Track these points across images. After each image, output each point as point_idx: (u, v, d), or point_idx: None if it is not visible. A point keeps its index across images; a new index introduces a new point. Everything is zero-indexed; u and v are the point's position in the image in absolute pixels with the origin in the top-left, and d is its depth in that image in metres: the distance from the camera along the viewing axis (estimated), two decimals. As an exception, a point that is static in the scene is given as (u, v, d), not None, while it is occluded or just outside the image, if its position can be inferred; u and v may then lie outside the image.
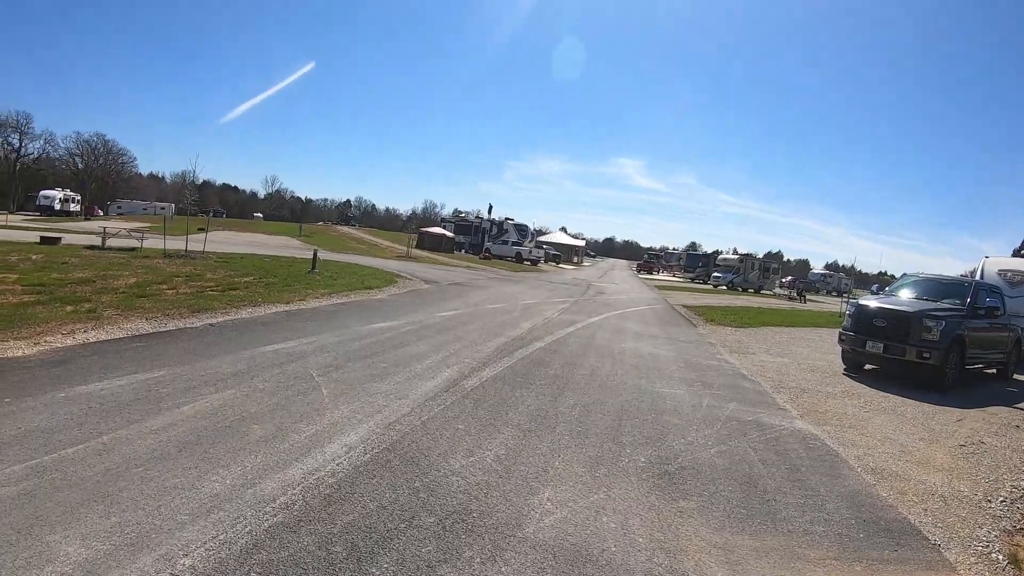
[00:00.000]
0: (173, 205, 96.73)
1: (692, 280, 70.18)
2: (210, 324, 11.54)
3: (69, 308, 11.18)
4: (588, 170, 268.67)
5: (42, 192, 78.25)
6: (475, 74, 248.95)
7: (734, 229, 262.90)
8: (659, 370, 11.81)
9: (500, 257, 61.55)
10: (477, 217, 74.41)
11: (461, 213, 78.49)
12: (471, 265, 45.47)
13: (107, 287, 13.91)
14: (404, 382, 8.65)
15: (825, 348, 18.01)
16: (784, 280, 76.07)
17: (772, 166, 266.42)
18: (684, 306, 29.12)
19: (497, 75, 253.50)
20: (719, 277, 60.10)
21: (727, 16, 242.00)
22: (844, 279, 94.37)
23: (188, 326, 11.05)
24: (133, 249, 24.60)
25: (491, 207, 76.83)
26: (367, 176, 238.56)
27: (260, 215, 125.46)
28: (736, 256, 63.05)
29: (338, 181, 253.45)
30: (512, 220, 70.64)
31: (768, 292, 59.96)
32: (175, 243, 26.31)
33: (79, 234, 32.99)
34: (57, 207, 73.99)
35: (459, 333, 13.36)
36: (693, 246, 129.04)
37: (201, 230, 58.82)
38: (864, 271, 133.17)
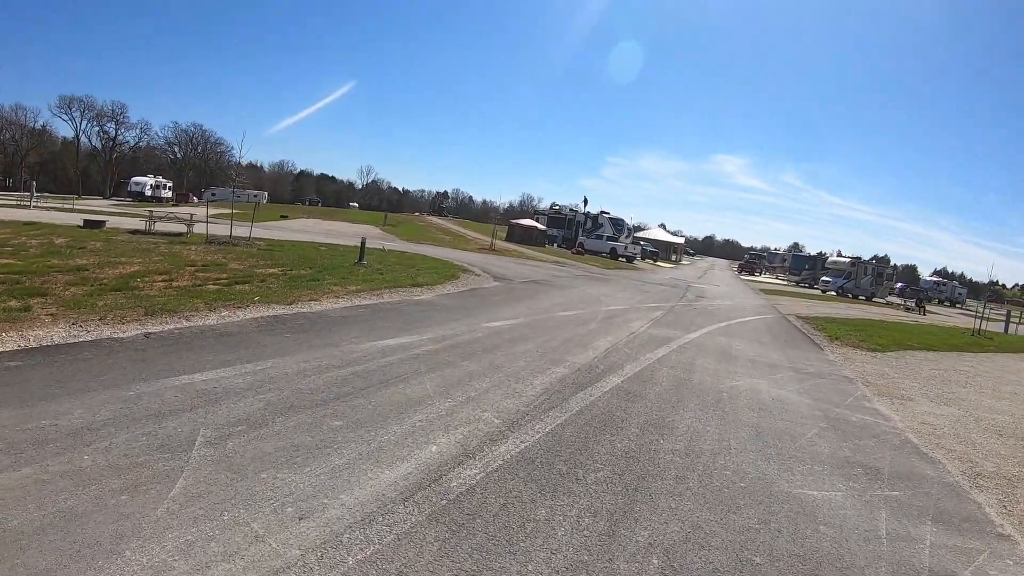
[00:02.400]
0: (265, 193, 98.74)
1: (797, 284, 66.16)
2: (147, 334, 8.47)
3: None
4: (689, 167, 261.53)
5: (133, 179, 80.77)
6: (573, 67, 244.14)
7: (837, 231, 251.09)
8: (793, 437, 7.42)
9: (594, 253, 57.73)
10: (571, 210, 70.16)
11: (555, 206, 74.41)
12: (560, 260, 41.43)
13: (94, 277, 12.03)
14: (339, 473, 4.79)
15: (990, 387, 13.32)
16: (896, 287, 68.99)
17: (879, 166, 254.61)
18: (798, 316, 24.66)
19: (596, 68, 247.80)
20: (828, 282, 54.67)
21: (837, 10, 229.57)
22: (958, 288, 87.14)
23: (113, 336, 8.12)
24: (179, 234, 23.03)
25: (586, 200, 72.41)
26: (465, 169, 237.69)
27: (355, 204, 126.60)
28: (847, 259, 56.91)
29: (436, 173, 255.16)
30: (608, 214, 66.19)
31: (881, 300, 53.77)
32: (238, 229, 23.89)
33: (134, 218, 30.83)
34: (148, 193, 75.15)
35: (499, 359, 9.43)
36: (796, 247, 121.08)
37: (283, 217, 59.36)
38: (974, 279, 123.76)
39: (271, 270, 15.88)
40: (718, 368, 11.07)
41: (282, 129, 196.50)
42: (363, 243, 20.81)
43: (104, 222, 25.42)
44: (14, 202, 45.61)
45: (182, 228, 25.03)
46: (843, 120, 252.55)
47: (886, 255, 60.09)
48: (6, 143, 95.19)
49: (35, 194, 49.58)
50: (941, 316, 45.43)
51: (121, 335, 8.19)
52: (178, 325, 9.16)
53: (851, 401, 10.05)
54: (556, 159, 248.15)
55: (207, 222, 23.63)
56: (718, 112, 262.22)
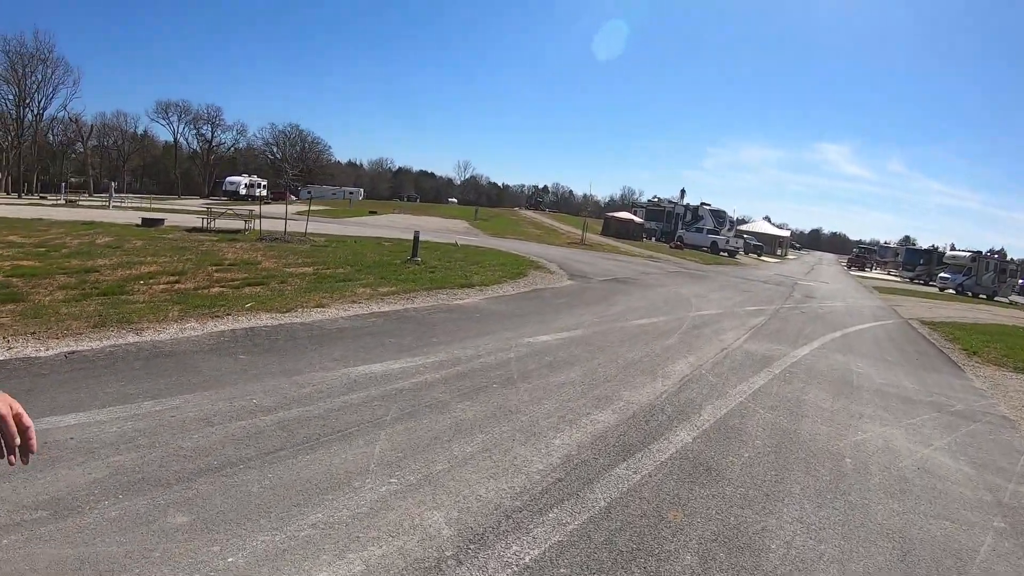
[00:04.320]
0: (361, 190, 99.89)
1: (911, 280, 60.40)
2: (70, 353, 6.85)
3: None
4: (791, 156, 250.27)
5: (228, 178, 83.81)
6: (670, 56, 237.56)
7: (947, 221, 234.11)
8: (958, 556, 4.47)
9: (694, 247, 54.41)
10: (670, 202, 66.65)
11: (653, 199, 71.09)
12: (655, 255, 38.32)
13: (96, 279, 11.22)
14: None
15: None
16: (1018, 284, 62.21)
17: (990, 152, 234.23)
18: (922, 322, 20.90)
19: (693, 56, 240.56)
20: (947, 279, 49.32)
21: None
22: None
23: (32, 355, 6.65)
24: (236, 231, 22.67)
25: (683, 192, 68.57)
26: (566, 163, 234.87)
27: (454, 200, 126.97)
28: (967, 254, 51.42)
29: (536, 168, 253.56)
30: (708, 205, 62.50)
31: (1004, 299, 48.13)
32: (324, 226, 22.53)
33: (195, 216, 30.30)
34: (243, 192, 76.68)
35: (518, 397, 6.85)
36: (908, 240, 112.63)
37: (372, 213, 58.83)
38: None
39: (304, 269, 14.51)
40: (835, 408, 8.09)
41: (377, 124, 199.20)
42: (416, 237, 18.57)
43: (163, 220, 25.37)
44: (99, 203, 46.06)
45: (239, 225, 24.61)
46: (949, 101, 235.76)
47: (1002, 248, 54.44)
48: (109, 148, 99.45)
49: (114, 195, 50.98)
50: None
51: (43, 353, 6.72)
52: (118, 342, 7.44)
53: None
54: (657, 151, 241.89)
55: (259, 217, 23.53)
56: (819, 98, 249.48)
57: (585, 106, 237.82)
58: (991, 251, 51.35)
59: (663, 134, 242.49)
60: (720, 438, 6.21)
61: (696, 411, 7.00)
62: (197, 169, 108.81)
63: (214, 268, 13.40)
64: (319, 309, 10.31)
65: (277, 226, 22.30)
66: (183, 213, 32.37)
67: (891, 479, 5.78)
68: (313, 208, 59.72)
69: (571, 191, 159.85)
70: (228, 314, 9.25)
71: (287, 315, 9.63)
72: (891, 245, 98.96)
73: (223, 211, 27.71)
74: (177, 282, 11.48)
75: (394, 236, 27.98)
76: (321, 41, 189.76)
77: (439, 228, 42.46)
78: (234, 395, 5.82)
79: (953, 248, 61.72)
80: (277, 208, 27.26)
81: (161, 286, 10.92)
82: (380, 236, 27.24)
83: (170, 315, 8.76)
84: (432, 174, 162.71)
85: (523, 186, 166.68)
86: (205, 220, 24.34)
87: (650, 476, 5.07)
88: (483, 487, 4.51)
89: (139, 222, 24.49)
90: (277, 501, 3.93)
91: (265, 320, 9.20)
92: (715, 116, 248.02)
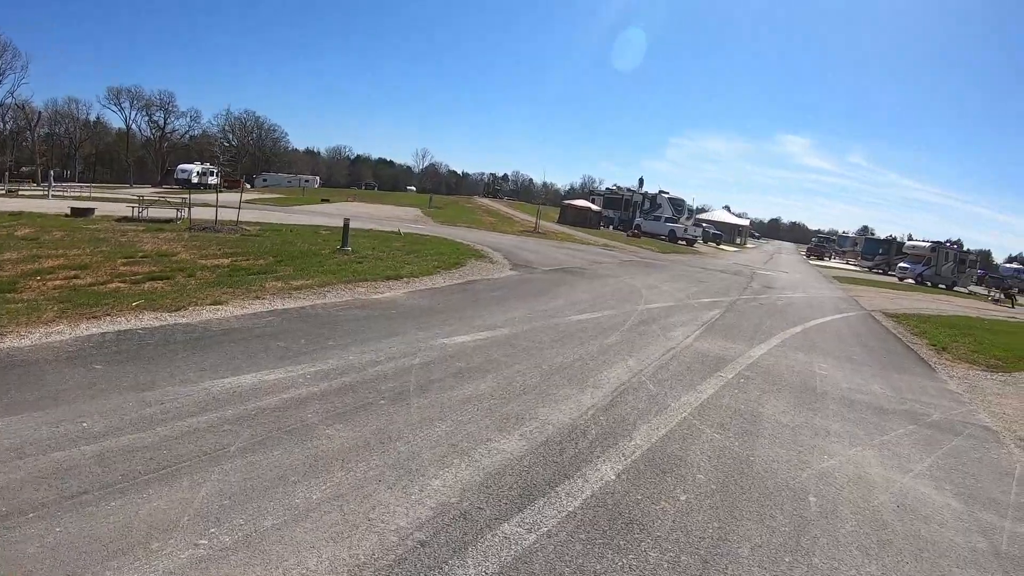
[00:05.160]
0: (317, 178, 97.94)
1: (871, 270, 60.13)
2: None
3: None
4: (753, 148, 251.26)
5: (180, 166, 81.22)
6: (635, 45, 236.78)
7: (905, 213, 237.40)
8: None
9: (652, 235, 53.11)
10: (628, 190, 65.51)
11: (612, 187, 70.01)
12: (610, 243, 37.07)
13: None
14: None
15: None
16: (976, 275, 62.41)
17: (947, 145, 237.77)
18: (885, 314, 20.03)
19: (659, 47, 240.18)
20: (907, 268, 48.86)
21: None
22: None
23: None
24: (168, 220, 21.44)
25: (641, 180, 67.35)
26: (526, 152, 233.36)
27: (413, 188, 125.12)
28: (926, 244, 51.13)
29: (497, 155, 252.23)
30: (667, 193, 61.30)
31: (963, 289, 48.01)
32: (259, 214, 21.80)
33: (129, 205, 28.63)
34: (195, 180, 74.66)
35: (406, 419, 5.63)
36: (866, 230, 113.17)
37: (325, 201, 57.11)
38: None
39: (220, 260, 13.36)
40: (797, 423, 6.85)
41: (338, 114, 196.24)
42: (346, 225, 17.10)
43: (93, 210, 23.93)
44: (41, 192, 43.77)
45: (172, 214, 23.24)
46: (910, 96, 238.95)
47: (959, 239, 54.41)
48: (61, 136, 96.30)
49: (54, 183, 48.41)
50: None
51: None
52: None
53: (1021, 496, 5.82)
54: (620, 141, 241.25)
55: (190, 206, 21.96)
56: (783, 90, 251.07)
57: (546, 96, 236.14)
58: (949, 241, 50.95)
59: (625, 125, 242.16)
60: (652, 473, 4.93)
61: (627, 433, 5.71)
62: (151, 157, 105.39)
63: (124, 261, 12.18)
64: (215, 307, 8.97)
65: (229, 215, 21.10)
66: (119, 202, 30.42)
67: (866, 525, 4.56)
68: (265, 196, 59.02)
69: (531, 179, 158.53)
70: (108, 314, 7.92)
71: (175, 314, 8.30)
72: (850, 235, 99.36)
73: (155, 199, 26.10)
74: (76, 277, 10.39)
75: (337, 224, 26.38)
76: (282, 27, 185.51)
77: (389, 216, 40.93)
78: (64, 417, 4.66)
79: (911, 238, 61.42)
80: (226, 197, 25.89)
81: (57, 282, 9.88)
82: (321, 224, 25.61)
83: (44, 316, 7.51)
84: (391, 162, 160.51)
85: (483, 174, 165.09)
86: (137, 209, 22.62)
87: (548, 537, 3.77)
88: (316, 555, 3.31)
89: (68, 212, 23.00)
90: (46, 571, 2.85)
91: (147, 321, 7.88)
92: (678, 107, 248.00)
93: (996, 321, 23.25)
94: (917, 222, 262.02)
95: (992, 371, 11.84)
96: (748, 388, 7.92)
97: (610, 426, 5.85)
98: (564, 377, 7.26)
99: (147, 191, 59.11)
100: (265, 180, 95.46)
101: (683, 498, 4.55)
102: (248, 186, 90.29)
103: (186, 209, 22.51)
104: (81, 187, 60.37)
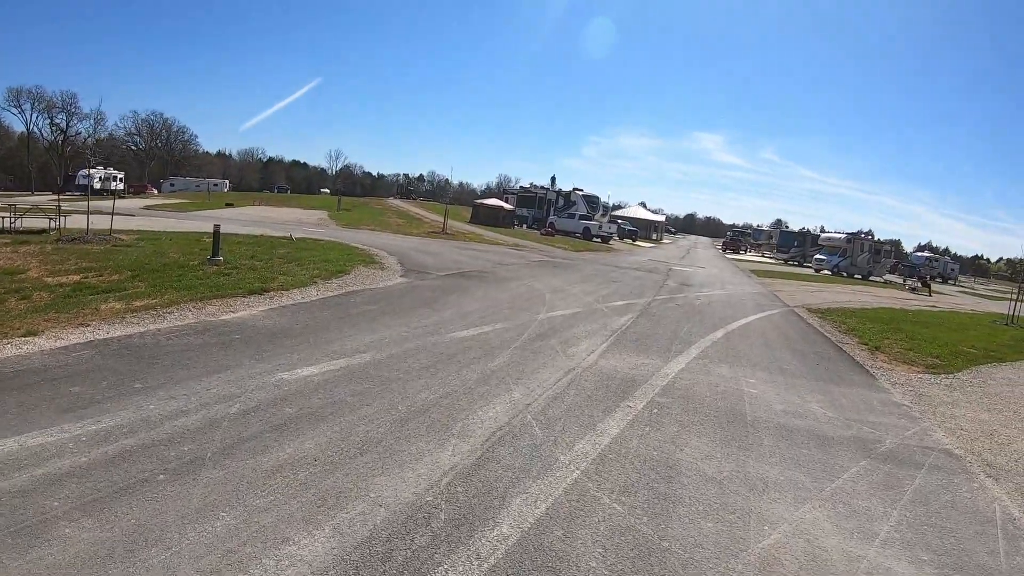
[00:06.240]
0: (227, 181, 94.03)
1: (786, 262, 61.02)
2: None
3: None
4: (668, 145, 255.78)
5: (80, 171, 75.02)
6: (550, 45, 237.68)
7: (816, 206, 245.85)
8: None
9: (566, 233, 51.94)
10: (542, 188, 64.17)
11: (531, 185, 68.61)
12: (521, 243, 35.43)
13: None
14: None
15: None
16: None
17: (854, 139, 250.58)
18: (809, 310, 19.06)
19: (572, 46, 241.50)
20: (823, 260, 49.46)
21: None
22: (950, 263, 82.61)
23: None
24: (41, 231, 19.18)
25: (554, 178, 66.19)
26: (443, 152, 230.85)
27: (327, 191, 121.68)
28: (842, 235, 51.54)
29: (411, 157, 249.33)
30: (581, 191, 60.27)
31: (878, 279, 48.53)
32: (152, 221, 20.09)
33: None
34: (97, 186, 70.30)
35: (179, 509, 3.88)
36: (780, 223, 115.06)
37: (229, 205, 54.22)
38: (958, 254, 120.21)
39: (70, 278, 11.42)
40: (726, 474, 5.29)
41: (251, 124, 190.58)
42: (216, 233, 15.00)
43: None
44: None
45: (44, 224, 20.59)
46: (820, 94, 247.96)
47: (870, 230, 55.60)
48: None
49: None
50: (946, 296, 40.52)
51: None
52: None
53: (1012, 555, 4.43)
54: (536, 140, 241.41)
55: (59, 215, 19.66)
56: (696, 89, 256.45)
57: (466, 96, 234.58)
58: (862, 232, 51.39)
59: (542, 125, 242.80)
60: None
61: (491, 516, 4.05)
62: (54, 162, 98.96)
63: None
64: (25, 339, 7.19)
65: (117, 223, 19.20)
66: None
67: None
68: (169, 201, 56.18)
69: (447, 180, 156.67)
70: None
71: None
72: (764, 228, 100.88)
73: (28, 208, 23.36)
74: None
75: (228, 231, 24.12)
76: (187, 24, 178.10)
77: (291, 220, 38.65)
78: None
79: (823, 230, 62.88)
80: (123, 204, 23.32)
81: None
82: (207, 232, 23.35)
83: None
84: (305, 164, 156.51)
85: (398, 175, 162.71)
86: (8, 219, 19.94)
87: None
88: None
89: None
90: None
91: None
92: (594, 105, 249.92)
93: (919, 312, 22.86)
94: (827, 214, 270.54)
95: (933, 373, 10.83)
96: (663, 422, 6.34)
97: (469, 503, 4.16)
98: (423, 423, 5.53)
99: (45, 198, 55.22)
100: (172, 185, 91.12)
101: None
102: (155, 191, 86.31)
103: (60, 218, 20.15)
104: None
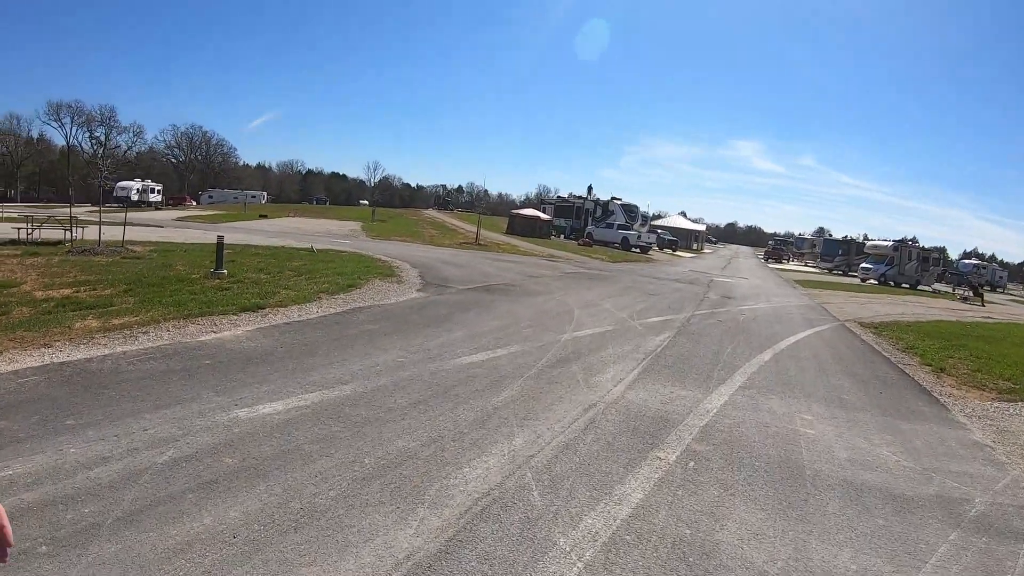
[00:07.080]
0: (265, 193, 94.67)
1: (830, 271, 59.30)
2: None
3: None
4: (706, 153, 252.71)
5: (119, 183, 75.88)
6: (591, 57, 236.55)
7: (857, 213, 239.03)
8: None
9: (604, 243, 50.56)
10: (579, 198, 62.90)
11: (565, 195, 67.42)
12: (555, 254, 34.15)
13: None
14: None
15: None
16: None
17: (889, 144, 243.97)
18: (860, 323, 17.64)
19: (612, 59, 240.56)
20: (869, 269, 47.38)
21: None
22: (999, 270, 79.95)
23: None
24: (57, 243, 18.92)
25: (590, 188, 64.64)
26: (482, 163, 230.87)
27: (365, 202, 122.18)
28: (888, 243, 49.57)
29: (452, 168, 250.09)
30: (619, 200, 58.91)
31: (926, 288, 46.50)
32: (184, 232, 20.05)
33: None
34: (135, 197, 71.42)
35: None
36: (823, 231, 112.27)
37: (263, 217, 54.03)
38: (1004, 260, 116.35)
39: (61, 292, 10.86)
40: (779, 565, 3.99)
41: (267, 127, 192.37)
42: (220, 246, 14.11)
43: None
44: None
45: (60, 235, 20.43)
46: (859, 99, 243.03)
47: (914, 237, 53.26)
48: (3, 155, 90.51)
49: None
50: (998, 305, 38.41)
51: None
52: None
53: None
54: (574, 151, 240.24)
55: (72, 227, 19.80)
56: (733, 95, 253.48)
57: (504, 108, 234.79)
58: (904, 240, 49.39)
59: (580, 135, 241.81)
60: None
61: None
62: (94, 175, 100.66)
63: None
64: None
65: (140, 234, 19.23)
66: (17, 223, 26.98)
67: None
68: (205, 213, 56.61)
69: (486, 191, 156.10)
70: None
71: None
72: (806, 236, 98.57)
73: (44, 219, 22.94)
74: None
75: (250, 242, 23.39)
76: (223, 38, 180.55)
77: (321, 231, 38.09)
78: None
79: (867, 238, 60.63)
80: (157, 215, 22.91)
81: None
82: (233, 243, 22.63)
83: None
84: (344, 176, 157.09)
85: (437, 186, 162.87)
86: (27, 230, 19.49)
87: None
88: None
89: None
90: None
91: None
92: (631, 116, 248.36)
93: (976, 324, 21.42)
94: (867, 220, 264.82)
95: (1010, 400, 9.41)
96: (700, 481, 5.05)
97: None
98: (389, 485, 4.34)
99: (84, 210, 55.65)
100: (211, 197, 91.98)
101: None
102: (193, 203, 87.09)
103: (78, 229, 20.14)
104: (15, 207, 56.39)
